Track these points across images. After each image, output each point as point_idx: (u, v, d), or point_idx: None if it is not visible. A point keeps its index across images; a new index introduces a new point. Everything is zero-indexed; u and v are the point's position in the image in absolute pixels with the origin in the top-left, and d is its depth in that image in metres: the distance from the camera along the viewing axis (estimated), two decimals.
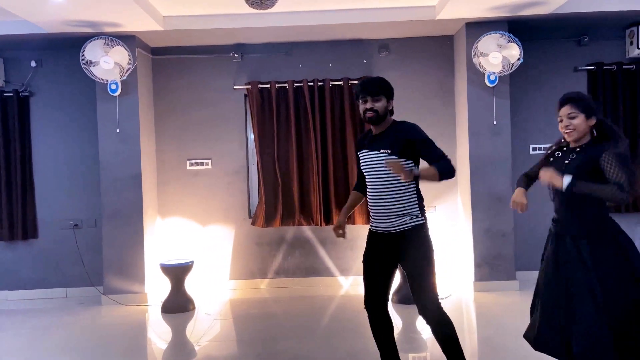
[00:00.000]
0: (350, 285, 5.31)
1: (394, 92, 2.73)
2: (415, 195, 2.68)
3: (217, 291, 5.22)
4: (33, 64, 5.21)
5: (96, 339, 4.03)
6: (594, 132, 2.57)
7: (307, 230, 5.41)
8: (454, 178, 2.69)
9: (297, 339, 3.86)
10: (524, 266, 5.22)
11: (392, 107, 2.73)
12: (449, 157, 2.67)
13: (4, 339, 4.07)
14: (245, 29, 4.84)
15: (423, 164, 2.67)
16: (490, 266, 4.93)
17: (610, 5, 4.62)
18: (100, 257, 5.01)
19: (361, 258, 2.82)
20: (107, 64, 4.58)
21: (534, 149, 5.29)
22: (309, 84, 5.23)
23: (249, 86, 5.24)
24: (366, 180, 2.75)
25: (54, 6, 4.02)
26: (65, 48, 5.10)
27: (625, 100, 5.16)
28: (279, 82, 5.24)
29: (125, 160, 4.90)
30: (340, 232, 2.85)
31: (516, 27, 4.90)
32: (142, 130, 4.97)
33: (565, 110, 2.57)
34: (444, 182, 2.72)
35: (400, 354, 2.87)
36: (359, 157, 2.80)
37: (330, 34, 5.14)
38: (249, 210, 5.41)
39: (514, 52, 4.66)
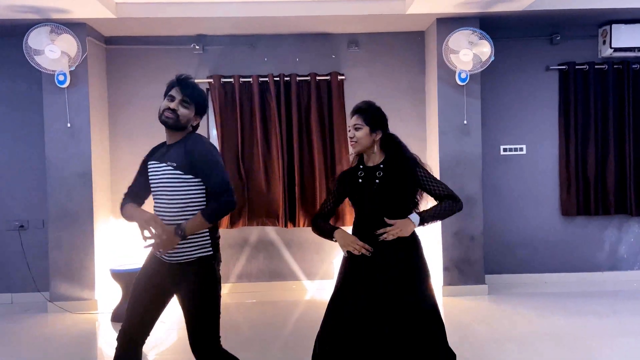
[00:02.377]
0: (316, 289, 5.10)
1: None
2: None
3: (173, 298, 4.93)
4: None
5: (41, 351, 3.71)
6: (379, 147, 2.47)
7: (271, 232, 5.17)
8: None
9: (260, 349, 3.64)
10: (493, 270, 5.12)
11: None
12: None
13: None
14: (206, 18, 4.56)
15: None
16: (459, 270, 4.79)
17: (583, 2, 4.52)
18: (47, 262, 4.66)
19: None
20: (52, 52, 4.23)
21: (505, 150, 5.17)
22: (275, 78, 4.98)
23: (211, 80, 4.96)
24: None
25: None
26: (9, 36, 4.72)
27: (597, 100, 5.08)
28: (243, 77, 4.97)
29: (74, 157, 4.57)
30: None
31: (488, 24, 4.76)
32: (94, 125, 4.65)
33: (353, 121, 2.46)
34: None
35: None
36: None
37: (297, 26, 4.90)
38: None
39: (485, 49, 4.51)
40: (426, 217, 2.38)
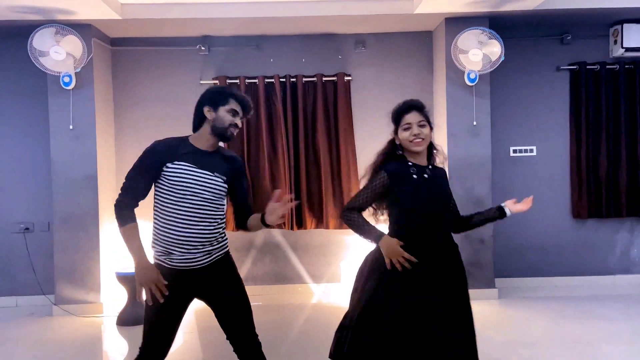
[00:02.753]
0: (323, 292, 5.04)
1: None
2: None
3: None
4: None
5: (46, 354, 3.67)
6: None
7: (277, 235, 5.12)
8: None
9: (266, 352, 3.58)
10: (503, 273, 5.05)
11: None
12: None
13: None
14: (212, 19, 4.51)
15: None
16: (469, 273, 4.68)
17: (594, 1, 4.44)
18: (52, 265, 4.63)
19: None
20: (57, 54, 4.20)
21: (514, 151, 5.10)
22: (281, 79, 4.93)
23: (217, 81, 4.92)
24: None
25: None
26: (14, 37, 4.69)
27: (608, 101, 4.99)
28: (249, 78, 4.93)
29: (80, 160, 4.53)
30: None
31: (497, 24, 4.68)
32: (99, 127, 4.61)
33: (415, 117, 2.26)
34: None
35: None
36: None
37: (303, 27, 4.85)
38: None
39: (495, 49, 4.44)
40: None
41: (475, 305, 4.62)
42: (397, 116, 2.31)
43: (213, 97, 2.28)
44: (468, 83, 4.60)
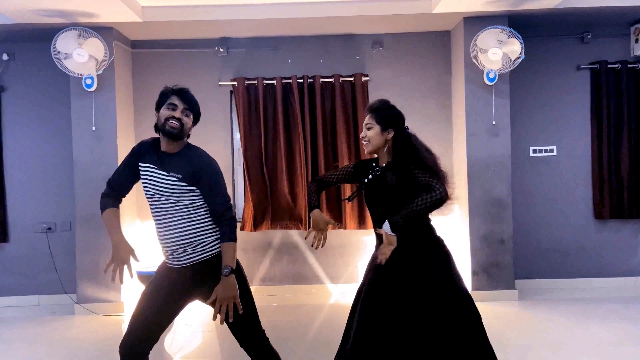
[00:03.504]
0: (340, 293, 5.03)
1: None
2: None
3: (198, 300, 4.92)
4: (5, 57, 4.90)
5: (68, 352, 3.72)
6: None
7: (295, 235, 5.13)
8: None
9: (283, 353, 3.58)
10: (523, 274, 4.99)
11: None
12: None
13: None
14: (230, 21, 4.55)
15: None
16: (488, 274, 4.67)
17: (614, 0, 4.38)
18: (74, 264, 4.70)
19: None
20: (80, 56, 4.27)
21: (534, 151, 5.05)
22: (298, 80, 4.96)
23: (235, 82, 4.95)
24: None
25: None
26: (38, 41, 4.80)
27: (630, 100, 4.92)
28: (267, 79, 4.96)
29: (101, 160, 4.60)
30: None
31: (517, 23, 4.65)
32: (120, 128, 4.68)
33: (365, 120, 2.40)
34: None
35: None
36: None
37: (320, 28, 4.87)
38: (234, 214, 5.13)
39: (515, 48, 4.41)
40: (397, 220, 2.18)
41: (495, 306, 4.60)
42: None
43: (158, 102, 2.32)
44: (487, 82, 4.57)
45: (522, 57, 4.46)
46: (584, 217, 5.03)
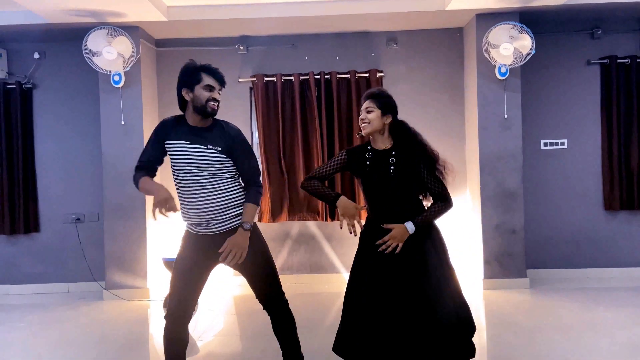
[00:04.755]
0: None
1: None
2: None
3: (220, 287, 5.13)
4: (36, 55, 5.15)
5: (97, 334, 3.95)
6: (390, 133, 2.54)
7: (312, 226, 5.31)
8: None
9: (302, 335, 3.75)
10: (534, 264, 5.12)
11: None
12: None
13: (1, 333, 4.00)
14: (250, 19, 4.75)
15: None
16: (500, 263, 4.81)
17: None
18: (102, 252, 4.94)
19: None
20: (110, 54, 4.50)
21: (545, 144, 5.17)
22: (315, 76, 5.14)
23: (254, 79, 5.15)
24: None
25: None
26: (68, 39, 5.04)
27: (639, 94, 5.03)
28: (285, 75, 5.15)
29: (129, 153, 4.82)
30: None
31: (528, 19, 4.78)
32: (146, 122, 4.90)
33: (365, 104, 2.54)
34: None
35: None
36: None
37: (336, 25, 5.05)
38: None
39: (526, 42, 4.54)
40: (420, 224, 2.44)
41: (506, 293, 4.74)
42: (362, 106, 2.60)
43: (187, 79, 2.41)
44: (499, 77, 4.71)
45: (533, 51, 4.59)
46: (594, 209, 5.15)
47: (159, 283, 4.92)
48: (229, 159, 2.45)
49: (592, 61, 5.11)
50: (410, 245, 2.43)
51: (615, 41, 5.11)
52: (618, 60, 5.03)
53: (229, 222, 2.47)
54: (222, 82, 2.47)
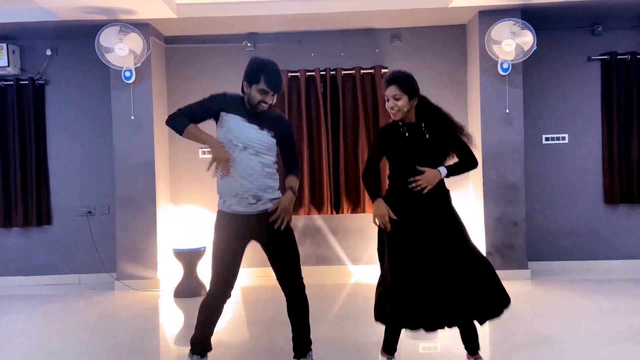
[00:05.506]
0: (361, 274, 5.32)
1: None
2: None
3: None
4: (48, 52, 5.27)
5: (111, 321, 4.08)
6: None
7: (318, 220, 5.42)
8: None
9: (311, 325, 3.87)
10: (535, 256, 5.22)
11: None
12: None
13: (17, 321, 4.13)
14: (258, 17, 4.86)
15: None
16: (502, 255, 4.92)
17: None
18: (113, 244, 5.06)
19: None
20: (121, 50, 4.62)
21: (546, 139, 5.27)
22: (321, 72, 5.25)
23: None
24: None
25: None
26: (79, 37, 5.16)
27: (639, 89, 5.11)
28: (291, 71, 5.26)
29: (139, 148, 4.94)
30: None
31: (529, 15, 4.88)
32: (156, 117, 5.01)
33: (391, 91, 2.66)
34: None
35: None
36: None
37: (341, 23, 5.15)
38: None
39: (528, 39, 4.65)
40: (451, 172, 2.70)
41: (508, 284, 4.81)
42: (384, 89, 2.73)
43: (249, 75, 2.59)
44: (501, 73, 4.81)
45: (535, 48, 4.69)
46: (594, 202, 5.25)
47: (168, 274, 5.04)
48: (276, 144, 2.68)
49: (593, 57, 5.21)
50: (438, 208, 2.65)
51: (616, 38, 5.20)
52: (618, 57, 5.13)
53: (264, 204, 2.63)
54: (276, 89, 2.59)
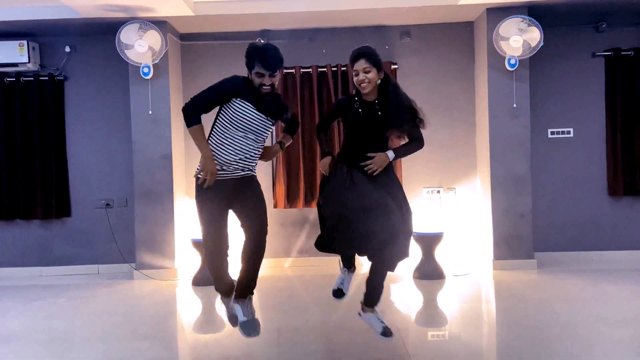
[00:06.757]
0: (367, 263, 5.45)
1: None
2: None
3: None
4: (67, 49, 5.42)
5: (130, 307, 4.25)
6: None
7: None
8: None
9: (320, 309, 4.03)
10: (541, 247, 5.36)
11: None
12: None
13: (43, 307, 4.29)
14: (271, 14, 5.01)
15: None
16: (509, 245, 5.06)
17: None
18: (130, 236, 5.22)
19: None
20: (141, 47, 4.77)
21: (552, 133, 5.42)
22: (332, 69, 5.39)
23: None
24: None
25: None
26: (97, 34, 5.32)
27: None
28: (303, 67, 5.40)
29: (157, 142, 5.10)
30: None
31: (536, 12, 5.01)
32: (173, 113, 5.17)
33: (361, 64, 2.78)
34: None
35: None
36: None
37: (352, 20, 5.30)
38: (273, 192, 5.58)
39: (535, 35, 4.79)
40: (398, 155, 2.92)
41: (515, 273, 4.99)
42: (351, 64, 2.84)
43: (247, 62, 2.79)
44: (508, 68, 4.95)
45: (541, 44, 4.83)
46: (598, 194, 5.39)
47: (185, 264, 5.20)
48: (273, 127, 3.00)
49: (597, 53, 5.35)
50: (381, 175, 2.86)
51: (619, 34, 5.34)
52: (622, 53, 5.26)
53: (249, 170, 2.88)
54: (270, 69, 2.73)
